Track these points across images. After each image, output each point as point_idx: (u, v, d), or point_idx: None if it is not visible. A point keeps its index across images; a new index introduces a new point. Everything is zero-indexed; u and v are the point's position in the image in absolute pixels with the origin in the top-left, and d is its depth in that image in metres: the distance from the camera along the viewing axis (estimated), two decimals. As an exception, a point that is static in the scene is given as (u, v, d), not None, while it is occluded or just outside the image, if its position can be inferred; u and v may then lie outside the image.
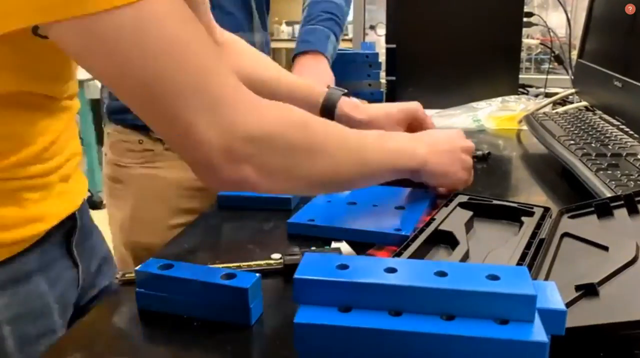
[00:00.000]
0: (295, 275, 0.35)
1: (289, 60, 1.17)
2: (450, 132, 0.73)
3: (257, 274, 0.48)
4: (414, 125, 0.82)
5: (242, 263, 0.56)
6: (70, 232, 0.65)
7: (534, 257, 0.52)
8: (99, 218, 0.76)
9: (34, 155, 0.56)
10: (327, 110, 0.83)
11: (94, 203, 0.68)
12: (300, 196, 0.75)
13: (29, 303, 0.58)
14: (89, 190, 0.74)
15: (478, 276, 0.34)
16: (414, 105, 0.83)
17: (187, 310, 0.49)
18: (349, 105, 0.83)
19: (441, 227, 0.59)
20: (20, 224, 0.56)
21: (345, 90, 0.85)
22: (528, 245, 0.54)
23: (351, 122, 0.81)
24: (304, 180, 0.55)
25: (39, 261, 0.59)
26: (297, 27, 6.57)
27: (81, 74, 0.59)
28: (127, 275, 0.55)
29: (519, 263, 0.51)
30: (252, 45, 1.05)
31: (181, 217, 1.02)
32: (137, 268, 0.50)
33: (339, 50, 1.23)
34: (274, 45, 6.49)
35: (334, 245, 0.61)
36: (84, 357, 0.44)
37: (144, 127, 0.98)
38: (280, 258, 0.57)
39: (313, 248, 0.59)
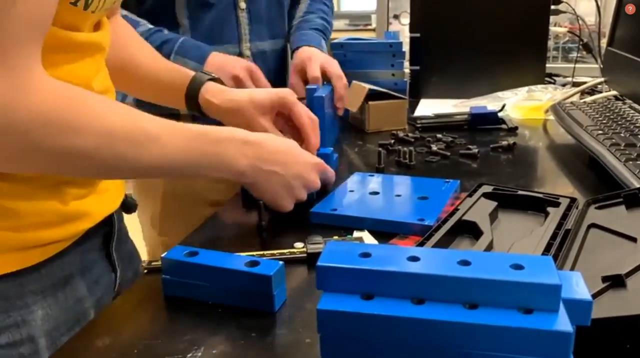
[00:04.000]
0: (318, 263, 0.35)
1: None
2: (300, 158, 0.66)
3: (281, 262, 0.49)
4: (282, 113, 0.77)
5: (265, 252, 0.57)
6: (109, 234, 0.64)
7: (559, 247, 0.52)
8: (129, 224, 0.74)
9: None
10: (191, 95, 0.77)
11: (128, 206, 0.67)
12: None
13: (67, 312, 0.56)
14: None
15: (502, 265, 0.34)
16: (282, 92, 0.76)
17: (212, 296, 0.50)
18: (213, 90, 0.76)
19: (465, 217, 0.59)
20: (60, 222, 0.54)
21: (214, 75, 0.79)
22: (553, 236, 0.54)
23: (212, 108, 0.76)
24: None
25: (79, 263, 0.58)
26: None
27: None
28: (153, 263, 0.56)
29: (544, 254, 0.50)
30: (284, 49, 1.10)
31: (209, 209, 1.02)
32: (163, 255, 0.51)
33: (362, 39, 1.23)
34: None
35: (356, 234, 0.61)
36: (111, 342, 0.45)
37: None
38: (303, 246, 0.58)
39: (335, 237, 0.59)
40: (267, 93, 0.75)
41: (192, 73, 0.78)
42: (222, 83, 0.78)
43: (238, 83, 0.92)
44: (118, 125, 0.50)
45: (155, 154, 0.53)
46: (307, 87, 0.90)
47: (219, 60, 0.95)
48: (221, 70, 0.91)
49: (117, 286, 0.66)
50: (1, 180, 0.49)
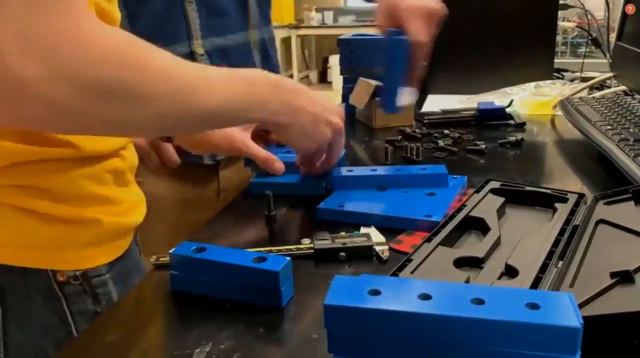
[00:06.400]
0: (325, 302, 0.35)
1: (319, 46, 1.17)
2: (316, 95, 0.65)
3: (288, 258, 0.49)
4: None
5: (273, 248, 0.57)
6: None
7: (567, 243, 0.51)
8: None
9: None
10: None
11: None
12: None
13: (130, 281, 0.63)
14: None
15: (517, 304, 0.33)
16: None
17: (219, 292, 0.50)
18: None
19: (472, 213, 0.58)
20: (133, 206, 0.61)
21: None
22: (561, 232, 0.54)
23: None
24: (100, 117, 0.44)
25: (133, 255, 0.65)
26: (327, 13, 6.57)
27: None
28: (161, 259, 0.57)
29: (551, 250, 0.50)
30: (246, 44, 0.99)
31: (180, 228, 0.97)
32: (171, 251, 0.51)
33: (368, 35, 1.23)
34: (303, 32, 6.50)
35: (363, 230, 0.61)
36: (120, 337, 0.46)
37: None
38: (311, 242, 0.58)
39: (342, 233, 0.59)
40: None
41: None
42: None
43: None
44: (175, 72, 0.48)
45: (202, 101, 0.50)
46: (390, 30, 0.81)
47: None
48: None
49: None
50: (101, 168, 0.56)
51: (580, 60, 1.50)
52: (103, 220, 0.56)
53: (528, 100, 1.20)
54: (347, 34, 1.24)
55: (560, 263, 0.48)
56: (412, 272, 0.48)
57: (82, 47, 0.40)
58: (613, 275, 0.43)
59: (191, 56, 0.91)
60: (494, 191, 0.64)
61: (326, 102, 0.67)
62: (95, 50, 0.41)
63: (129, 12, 0.88)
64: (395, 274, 0.47)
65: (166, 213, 0.99)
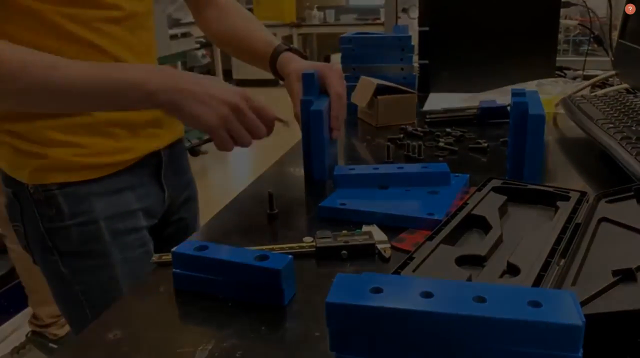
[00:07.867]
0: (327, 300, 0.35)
1: (321, 44, 1.17)
2: (221, 83, 0.68)
3: (290, 256, 0.49)
4: (323, 84, 0.82)
5: (275, 246, 0.57)
6: (159, 165, 0.85)
7: (569, 241, 0.51)
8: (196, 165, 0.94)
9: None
10: (272, 63, 0.89)
11: (192, 150, 0.89)
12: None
13: (118, 208, 0.80)
14: (188, 139, 0.87)
15: (519, 302, 0.33)
16: (325, 65, 0.84)
17: (221, 290, 0.50)
18: (283, 60, 0.87)
19: (474, 212, 0.58)
20: (112, 153, 0.77)
21: (292, 46, 0.91)
22: (563, 230, 0.53)
23: (283, 75, 0.88)
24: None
25: (129, 181, 0.81)
26: (328, 12, 6.56)
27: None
28: (163, 257, 0.57)
29: (553, 248, 0.50)
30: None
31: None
32: (173, 249, 0.52)
33: (371, 33, 1.22)
34: (305, 30, 6.49)
35: (365, 228, 0.61)
36: (123, 334, 0.46)
37: None
38: (312, 241, 0.58)
39: (344, 231, 0.59)
40: (313, 65, 0.85)
41: (277, 43, 0.90)
42: (298, 53, 0.90)
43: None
44: (32, 58, 0.65)
45: (61, 75, 0.64)
46: (302, 98, 0.77)
47: None
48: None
49: (166, 202, 0.89)
50: (72, 123, 0.75)
51: (583, 58, 1.49)
52: (47, 154, 0.75)
53: (530, 98, 1.20)
54: (349, 32, 1.24)
55: (562, 261, 0.48)
56: (414, 270, 0.48)
57: None
58: (615, 273, 0.43)
59: None
60: (495, 189, 0.64)
61: (219, 84, 0.68)
62: None
63: None
64: (397, 272, 0.47)
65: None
